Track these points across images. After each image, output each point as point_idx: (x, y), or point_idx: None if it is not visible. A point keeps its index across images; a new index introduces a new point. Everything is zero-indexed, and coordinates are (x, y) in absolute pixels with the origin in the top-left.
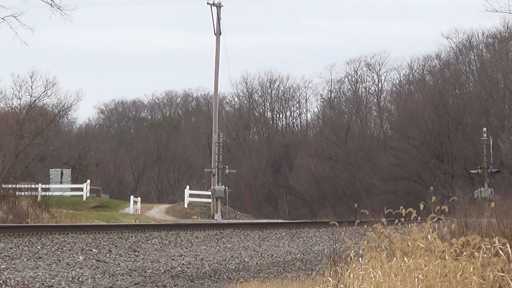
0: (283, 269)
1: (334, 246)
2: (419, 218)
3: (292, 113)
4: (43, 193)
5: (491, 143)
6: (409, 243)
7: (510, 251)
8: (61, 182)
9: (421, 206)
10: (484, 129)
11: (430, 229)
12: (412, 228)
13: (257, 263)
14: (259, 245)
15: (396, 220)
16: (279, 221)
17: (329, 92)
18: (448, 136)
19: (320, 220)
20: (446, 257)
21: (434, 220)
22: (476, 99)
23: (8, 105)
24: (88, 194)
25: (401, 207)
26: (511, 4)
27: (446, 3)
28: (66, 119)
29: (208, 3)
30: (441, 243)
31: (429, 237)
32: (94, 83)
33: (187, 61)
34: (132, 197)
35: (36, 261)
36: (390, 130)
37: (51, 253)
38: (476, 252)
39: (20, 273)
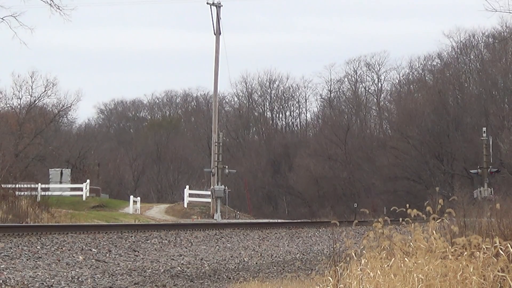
0: (283, 269)
1: (334, 246)
2: (424, 217)
3: (292, 113)
4: (42, 193)
5: (490, 143)
6: (411, 243)
7: (511, 251)
8: (60, 182)
9: (427, 208)
10: (484, 129)
11: (434, 230)
12: (414, 228)
13: (256, 263)
14: (258, 245)
15: (401, 219)
16: (279, 221)
17: (329, 92)
18: (448, 136)
19: (319, 220)
20: (450, 256)
21: (438, 220)
22: (476, 99)
23: (8, 105)
24: (87, 194)
25: (407, 205)
26: (511, 4)
27: (446, 2)
28: (66, 119)
29: (207, 3)
30: (442, 243)
31: (432, 238)
32: (94, 83)
33: (187, 61)
34: (131, 197)
35: (36, 261)
36: (390, 130)
37: (51, 253)
38: (477, 252)
39: (20, 273)
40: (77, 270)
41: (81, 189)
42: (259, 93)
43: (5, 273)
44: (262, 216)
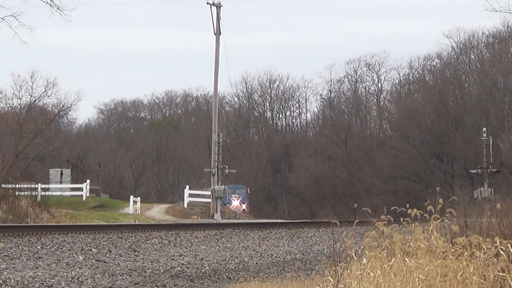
0: (283, 269)
1: (334, 246)
2: (427, 217)
3: (292, 113)
4: (42, 193)
5: (490, 143)
6: (411, 243)
7: (511, 251)
8: (60, 182)
9: (428, 207)
10: (484, 129)
11: (434, 230)
12: (414, 228)
13: (256, 263)
14: (258, 245)
15: (401, 219)
16: (279, 221)
17: (329, 92)
18: (448, 136)
19: (319, 220)
20: (450, 256)
21: (438, 220)
22: (476, 99)
23: (8, 105)
24: (87, 194)
25: (407, 205)
26: (511, 4)
27: (446, 2)
28: (66, 119)
29: (207, 3)
30: (442, 243)
31: (432, 238)
32: (94, 83)
33: (187, 61)
34: (131, 197)
35: (36, 261)
36: (390, 130)
37: (51, 253)
38: (477, 252)
39: (20, 273)
40: (77, 270)
41: (81, 189)
42: (259, 93)
43: (5, 273)
44: (262, 216)
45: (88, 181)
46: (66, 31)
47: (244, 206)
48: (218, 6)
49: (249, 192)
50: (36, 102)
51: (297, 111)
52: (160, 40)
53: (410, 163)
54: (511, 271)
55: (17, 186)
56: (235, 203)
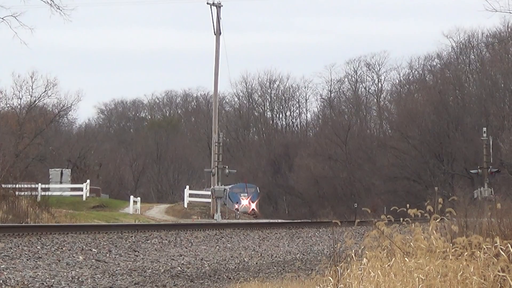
0: (283, 269)
1: (334, 246)
2: (427, 216)
3: (292, 113)
4: (43, 193)
5: (491, 143)
6: (411, 243)
7: (511, 251)
8: (61, 182)
9: (428, 207)
10: (484, 129)
11: (434, 230)
12: (414, 228)
13: (256, 263)
14: (259, 245)
15: (401, 219)
16: (279, 221)
17: (329, 92)
18: (448, 136)
19: (319, 220)
20: (450, 256)
21: (438, 220)
22: (476, 99)
23: (8, 105)
24: (87, 194)
25: (407, 205)
26: (511, 4)
27: (447, 2)
28: (66, 119)
29: (207, 3)
30: (442, 243)
31: (432, 237)
32: (94, 83)
33: (187, 61)
34: (132, 197)
35: (36, 261)
36: (390, 130)
37: (51, 253)
38: (477, 252)
39: (20, 273)
40: (77, 270)
41: (81, 189)
42: (259, 93)
43: (5, 273)
44: (262, 216)
45: (88, 181)
46: (66, 31)
47: (253, 205)
48: (218, 6)
49: (258, 191)
50: (36, 102)
51: (297, 111)
52: (160, 40)
53: (410, 163)
54: (511, 271)
55: (17, 186)
56: (244, 202)
